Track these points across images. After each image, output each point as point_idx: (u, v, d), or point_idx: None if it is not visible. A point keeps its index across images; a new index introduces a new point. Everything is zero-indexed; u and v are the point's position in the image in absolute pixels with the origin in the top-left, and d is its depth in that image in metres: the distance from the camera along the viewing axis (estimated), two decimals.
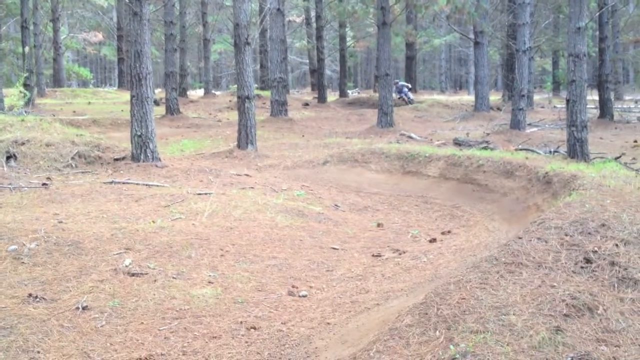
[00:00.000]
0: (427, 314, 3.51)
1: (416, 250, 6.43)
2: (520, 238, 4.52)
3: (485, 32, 21.85)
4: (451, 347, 3.10)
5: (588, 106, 12.03)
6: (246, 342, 4.10)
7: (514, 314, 3.39)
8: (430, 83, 54.45)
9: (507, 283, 3.80)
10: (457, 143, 14.11)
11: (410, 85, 28.85)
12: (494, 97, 27.78)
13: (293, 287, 5.21)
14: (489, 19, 22.50)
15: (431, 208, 8.78)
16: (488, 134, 16.48)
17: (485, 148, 12.46)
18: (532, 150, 12.23)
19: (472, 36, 23.71)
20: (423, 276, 5.36)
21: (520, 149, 12.49)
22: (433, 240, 6.87)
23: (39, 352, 3.73)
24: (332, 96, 32.99)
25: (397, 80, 25.00)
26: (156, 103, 15.03)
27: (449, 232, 7.32)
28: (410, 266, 5.82)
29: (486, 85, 23.23)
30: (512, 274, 3.94)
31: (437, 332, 3.31)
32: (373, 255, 6.30)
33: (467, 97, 31.75)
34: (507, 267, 4.04)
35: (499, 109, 23.87)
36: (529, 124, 18.05)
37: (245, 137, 12.98)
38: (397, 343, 3.29)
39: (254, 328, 4.31)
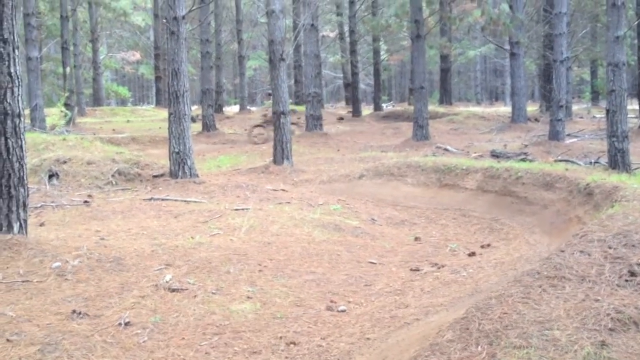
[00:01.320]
0: (468, 329, 3.47)
1: (455, 264, 6.37)
2: (562, 251, 4.45)
3: (521, 43, 21.66)
4: None
5: (628, 116, 11.82)
6: (286, 357, 4.11)
7: (557, 329, 3.33)
8: (466, 95, 54.10)
9: (550, 297, 3.74)
10: (495, 155, 13.97)
11: None
12: (531, 108, 27.45)
13: (331, 302, 5.21)
14: (525, 30, 22.30)
15: (469, 221, 8.70)
16: (526, 146, 16.27)
17: (523, 160, 12.31)
18: (572, 162, 12.04)
19: (507, 47, 23.53)
20: (463, 290, 5.30)
21: (560, 160, 12.32)
22: (472, 254, 6.80)
23: None
24: (366, 110, 33.00)
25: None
26: (193, 120, 15.22)
27: (488, 245, 7.24)
28: (450, 280, 5.77)
29: (523, 96, 22.97)
30: (554, 287, 3.88)
31: (479, 347, 3.26)
32: (411, 270, 6.26)
33: (504, 109, 31.44)
34: (550, 280, 3.97)
35: (536, 120, 23.57)
36: (568, 135, 17.78)
37: (280, 152, 13.05)
38: (439, 358, 3.25)
39: (294, 343, 4.31)
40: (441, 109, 29.62)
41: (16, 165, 5.87)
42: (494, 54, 44.56)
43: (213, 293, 5.17)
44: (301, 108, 25.55)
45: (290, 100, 19.93)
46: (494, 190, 9.58)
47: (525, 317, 3.49)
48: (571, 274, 4.05)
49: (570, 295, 3.77)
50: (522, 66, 23.08)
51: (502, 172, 9.70)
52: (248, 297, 5.15)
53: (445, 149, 15.94)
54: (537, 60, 30.76)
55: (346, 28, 33.29)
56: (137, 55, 42.30)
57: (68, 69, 24.70)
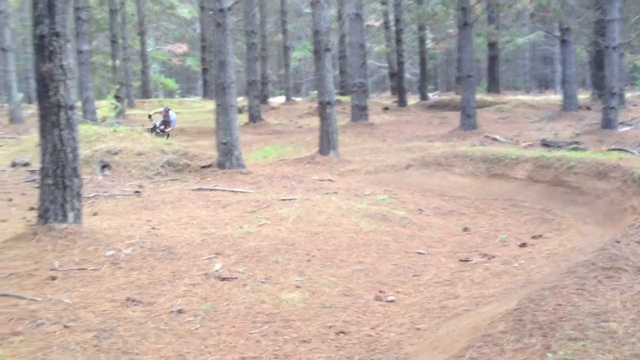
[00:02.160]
0: (521, 320, 3.41)
1: (506, 255, 6.27)
2: (617, 242, 4.34)
3: (571, 30, 21.12)
4: (549, 354, 3.01)
5: None
6: (336, 346, 4.11)
7: (614, 321, 3.25)
8: (514, 83, 53.08)
9: (606, 289, 3.65)
10: (545, 144, 13.69)
11: (168, 107, 17.53)
12: (583, 96, 26.74)
13: (380, 292, 5.19)
14: (575, 16, 21.74)
15: (519, 212, 8.55)
16: (578, 134, 15.90)
17: (575, 149, 12.03)
18: (626, 150, 11.71)
19: (557, 34, 22.98)
20: (514, 282, 5.22)
21: (613, 149, 11.99)
22: (523, 245, 6.68)
23: (137, 354, 3.86)
24: (412, 99, 32.71)
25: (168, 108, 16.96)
26: (239, 111, 15.32)
27: (539, 236, 7.10)
28: (500, 271, 5.68)
29: (574, 83, 22.42)
30: (610, 279, 3.79)
31: (533, 339, 3.21)
32: (460, 260, 6.19)
33: (554, 97, 30.76)
34: (605, 272, 3.88)
35: (588, 108, 22.99)
36: (621, 123, 17.27)
37: (326, 143, 13.05)
38: (491, 350, 3.21)
39: (343, 333, 4.32)
40: (489, 98, 29.14)
41: (70, 156, 6.01)
42: (543, 41, 43.57)
43: (262, 282, 5.21)
44: (346, 98, 25.48)
45: (336, 91, 19.91)
46: (544, 180, 9.39)
47: (581, 308, 3.41)
48: (627, 265, 3.95)
49: (627, 286, 3.67)
50: (573, 53, 22.52)
51: (554, 162, 9.49)
52: (297, 287, 5.18)
53: (494, 139, 15.69)
54: (588, 47, 29.94)
55: (391, 17, 33.02)
56: (184, 48, 42.80)
57: (117, 62, 25.19)
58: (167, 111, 16.54)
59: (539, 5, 18.98)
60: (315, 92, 20.53)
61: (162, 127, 16.29)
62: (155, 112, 16.96)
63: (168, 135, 16.22)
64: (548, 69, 49.35)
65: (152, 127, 16.15)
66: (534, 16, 23.28)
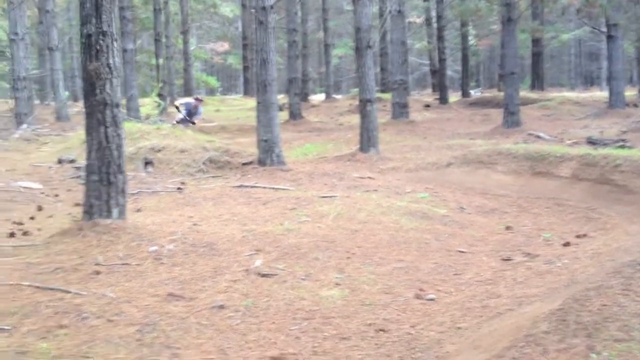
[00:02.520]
0: (565, 320, 3.36)
1: (549, 254, 6.16)
2: None
3: (619, 25, 20.62)
4: (593, 355, 2.95)
5: None
6: (375, 344, 4.11)
7: None
8: (559, 80, 52.09)
9: None
10: (591, 142, 13.40)
11: (200, 98, 17.80)
12: (630, 93, 26.12)
13: (420, 290, 5.16)
14: (623, 11, 21.22)
15: (564, 210, 8.39)
16: (625, 132, 15.52)
17: (622, 147, 11.75)
18: None
19: (604, 29, 22.45)
20: (558, 281, 5.12)
21: None
22: (567, 244, 6.56)
23: (179, 348, 3.92)
24: (453, 97, 32.39)
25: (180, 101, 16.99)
26: (280, 108, 15.39)
27: (584, 235, 6.96)
28: (544, 271, 5.59)
29: (621, 80, 21.89)
30: None
31: (577, 339, 3.15)
32: (503, 259, 6.11)
33: (600, 94, 30.08)
34: None
35: (635, 105, 22.43)
36: None
37: (367, 140, 13.02)
38: (534, 350, 3.17)
39: (383, 330, 4.30)
40: (533, 95, 28.66)
41: (115, 153, 6.12)
42: (589, 37, 42.67)
43: (302, 279, 5.23)
44: (387, 96, 25.36)
45: (377, 88, 19.84)
46: (590, 178, 9.19)
47: (627, 309, 3.34)
48: None
49: None
50: (620, 49, 21.98)
51: (599, 160, 9.29)
52: (337, 284, 5.18)
53: (538, 136, 15.43)
54: (635, 43, 29.26)
55: (433, 13, 32.72)
56: (226, 46, 43.16)
57: (161, 60, 25.57)
58: (198, 102, 16.38)
59: (585, 1, 18.60)
60: (356, 89, 20.48)
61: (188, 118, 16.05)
62: (181, 104, 16.57)
63: (194, 123, 16.23)
64: (594, 66, 48.31)
65: (180, 119, 15.98)
66: (580, 12, 22.81)
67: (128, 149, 10.65)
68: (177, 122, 15.86)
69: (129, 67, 20.65)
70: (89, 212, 6.09)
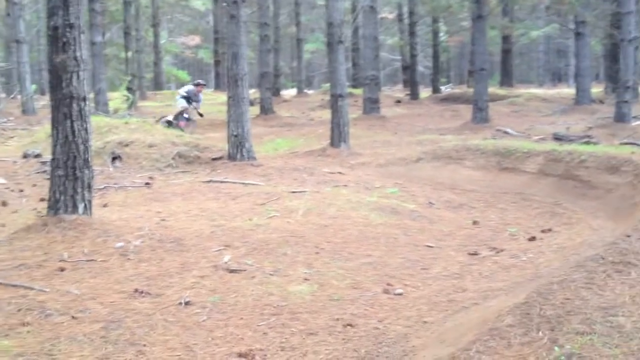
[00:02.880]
0: (529, 314, 3.40)
1: (515, 249, 6.25)
2: (628, 236, 4.32)
3: (587, 22, 20.94)
4: (556, 348, 3.00)
5: None
6: (343, 339, 4.12)
7: (622, 315, 3.23)
8: (528, 76, 52.72)
9: (615, 283, 3.63)
10: (557, 138, 13.61)
11: (203, 82, 16.99)
12: (596, 90, 26.54)
13: (388, 284, 5.19)
14: (591, 8, 21.54)
15: (530, 205, 8.50)
16: (590, 128, 15.78)
17: (587, 143, 11.96)
18: (638, 144, 11.61)
19: (572, 27, 22.78)
20: (523, 275, 5.20)
21: (625, 143, 11.90)
22: (532, 239, 6.65)
23: (145, 345, 3.88)
24: (424, 92, 32.58)
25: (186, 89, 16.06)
26: (251, 103, 15.32)
27: (549, 230, 7.07)
28: (509, 265, 5.66)
29: (588, 77, 22.26)
30: (620, 273, 3.77)
31: (540, 332, 3.20)
32: (469, 254, 6.17)
33: (567, 90, 30.53)
34: (615, 266, 3.86)
35: (601, 101, 22.81)
36: (634, 117, 17.10)
37: (338, 135, 13.04)
38: (498, 343, 3.20)
39: (351, 325, 4.32)
40: (501, 91, 28.97)
41: (81, 147, 6.03)
42: (557, 34, 43.20)
43: (271, 274, 5.22)
44: (358, 91, 25.44)
45: (348, 83, 19.89)
46: (556, 173, 9.33)
47: (589, 302, 3.40)
48: (637, 260, 3.92)
49: (636, 281, 3.65)
50: (588, 46, 22.35)
51: (565, 155, 9.44)
52: (305, 279, 5.18)
53: (506, 132, 15.61)
54: (603, 40, 29.66)
55: (405, 9, 32.90)
56: (197, 40, 42.87)
57: (130, 54, 25.25)
58: (201, 87, 15.76)
59: None
60: (328, 84, 20.49)
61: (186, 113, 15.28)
62: (185, 93, 15.64)
63: (202, 115, 15.87)
64: (562, 62, 48.95)
65: (180, 117, 15.25)
66: (549, 9, 23.12)
67: (95, 143, 10.51)
68: (175, 122, 15.13)
69: (98, 60, 20.36)
70: (54, 207, 6.00)
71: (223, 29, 27.44)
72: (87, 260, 5.22)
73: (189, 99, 15.51)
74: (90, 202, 6.15)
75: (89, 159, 6.14)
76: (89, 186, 6.13)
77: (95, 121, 12.13)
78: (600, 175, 8.57)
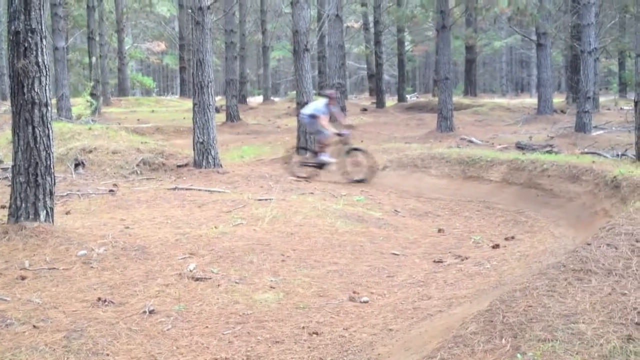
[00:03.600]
0: (492, 321, 3.44)
1: (479, 257, 6.32)
2: (588, 244, 4.40)
3: (548, 34, 21.38)
4: (518, 355, 3.03)
5: None
6: (309, 347, 4.11)
7: (583, 322, 3.29)
8: (491, 86, 53.54)
9: (576, 290, 3.70)
10: (520, 147, 13.84)
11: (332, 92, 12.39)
12: (558, 100, 27.10)
13: (354, 292, 5.20)
14: (552, 20, 22.00)
15: (493, 213, 8.62)
16: (552, 138, 16.09)
17: (549, 152, 12.18)
18: (599, 154, 11.87)
19: (534, 38, 23.23)
20: (487, 283, 5.26)
21: (586, 153, 12.15)
22: (496, 246, 6.74)
23: (108, 354, 3.83)
24: (390, 101, 32.84)
25: None
26: (217, 110, 15.24)
27: (512, 237, 7.17)
28: (473, 272, 5.73)
29: (549, 87, 22.70)
30: (580, 281, 3.83)
31: (503, 340, 3.24)
32: (434, 261, 6.23)
33: (529, 100, 31.10)
34: (576, 274, 3.93)
35: (562, 111, 23.28)
36: (595, 127, 17.52)
37: (304, 143, 13.05)
38: (462, 351, 3.23)
39: (316, 333, 4.32)
40: (466, 101, 29.39)
41: (43, 154, 5.94)
42: (520, 45, 44.06)
43: (236, 282, 5.19)
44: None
45: (314, 91, 19.93)
46: (519, 182, 9.48)
47: (551, 310, 3.45)
48: (598, 267, 4.00)
49: (597, 288, 3.72)
50: (549, 57, 22.79)
51: (528, 164, 9.60)
52: (271, 287, 5.17)
53: (470, 141, 15.81)
54: (564, 51, 30.35)
55: (371, 18, 33.12)
56: (162, 46, 42.52)
57: (94, 59, 24.91)
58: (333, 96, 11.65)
59: (517, 9, 19.20)
60: (294, 92, 20.52)
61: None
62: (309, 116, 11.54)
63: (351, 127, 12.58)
64: (524, 73, 49.89)
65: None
66: (511, 20, 23.51)
67: (58, 149, 10.35)
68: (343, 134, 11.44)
69: (60, 65, 20.06)
70: (15, 214, 5.89)
71: (188, 36, 27.26)
72: (49, 269, 5.12)
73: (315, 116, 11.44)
74: (52, 209, 6.05)
75: (51, 165, 6.04)
76: (51, 193, 6.03)
77: (58, 127, 11.95)
78: (562, 184, 8.74)
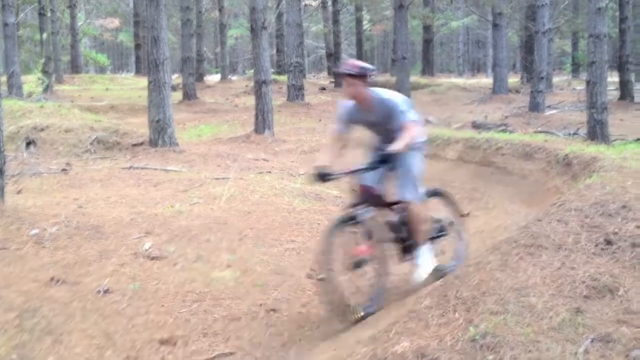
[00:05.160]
0: (446, 296, 3.50)
1: None
2: (539, 220, 4.48)
3: (503, 14, 21.60)
4: (471, 328, 3.09)
5: (608, 88, 11.87)
6: (266, 324, 4.13)
7: (534, 296, 3.37)
8: (448, 66, 54.02)
9: (527, 265, 3.77)
10: (476, 126, 14.03)
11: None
12: (513, 80, 27.48)
13: (312, 270, 5.22)
14: (508, 1, 22.23)
15: (449, 191, 8.72)
16: (507, 117, 16.35)
17: (503, 131, 12.37)
18: (552, 133, 12.12)
19: (490, 18, 23.46)
20: (443, 259, 5.34)
21: (539, 132, 12.39)
22: (452, 223, 6.82)
23: (62, 334, 3.78)
24: None
25: None
26: (173, 88, 15.01)
27: (467, 214, 7.28)
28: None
29: (505, 67, 23.00)
30: (531, 255, 3.92)
31: (457, 313, 3.30)
32: None
33: (485, 80, 31.46)
34: (527, 249, 4.01)
35: (517, 91, 23.64)
36: (548, 106, 17.85)
37: (262, 122, 12.99)
38: (417, 325, 3.28)
39: (274, 310, 4.34)
40: (423, 80, 29.55)
41: None
42: (476, 25, 44.44)
43: (193, 261, 5.16)
44: (283, 78, 25.36)
45: (272, 70, 19.79)
46: (474, 160, 9.62)
47: (503, 284, 3.52)
48: (548, 243, 4.08)
49: (547, 263, 3.80)
50: (505, 37, 23.06)
51: (483, 143, 9.73)
52: (228, 265, 5.15)
53: (427, 120, 15.93)
54: (519, 32, 30.74)
55: None
56: (116, 23, 41.60)
57: (45, 36, 24.22)
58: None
59: None
60: (252, 70, 20.35)
61: None
62: None
63: None
64: (481, 53, 50.40)
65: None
66: (468, 0, 23.68)
67: (8, 127, 10.07)
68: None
69: (10, 42, 19.43)
70: None
71: (143, 12, 26.78)
72: (0, 249, 5.01)
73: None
74: (2, 188, 5.89)
75: (1, 144, 5.87)
76: (1, 172, 5.87)
77: (8, 105, 11.62)
78: (515, 162, 8.89)
